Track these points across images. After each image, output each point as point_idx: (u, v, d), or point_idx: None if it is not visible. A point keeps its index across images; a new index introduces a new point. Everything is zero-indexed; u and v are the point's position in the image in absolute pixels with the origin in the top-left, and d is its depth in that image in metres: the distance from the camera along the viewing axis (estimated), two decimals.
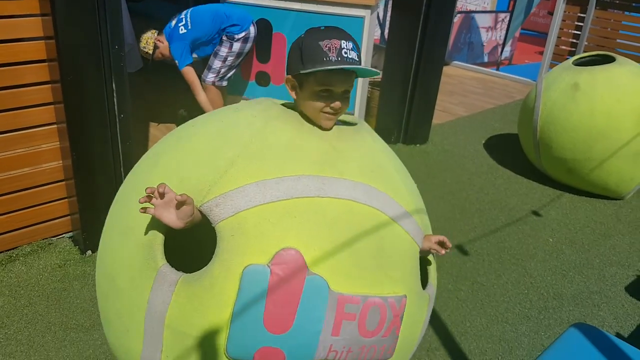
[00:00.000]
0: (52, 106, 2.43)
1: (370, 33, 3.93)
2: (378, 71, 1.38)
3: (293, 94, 1.41)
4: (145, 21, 5.80)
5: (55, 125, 2.47)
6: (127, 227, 1.37)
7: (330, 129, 1.40)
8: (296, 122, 1.38)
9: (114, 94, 2.40)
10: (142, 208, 1.23)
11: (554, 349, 1.54)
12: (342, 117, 1.56)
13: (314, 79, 1.33)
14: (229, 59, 3.72)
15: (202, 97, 3.69)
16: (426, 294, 1.49)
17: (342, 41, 1.31)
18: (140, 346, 1.33)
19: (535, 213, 3.46)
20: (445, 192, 3.66)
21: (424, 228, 1.51)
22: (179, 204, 1.19)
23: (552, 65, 6.52)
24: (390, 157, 1.53)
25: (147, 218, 1.30)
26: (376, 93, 4.50)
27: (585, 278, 2.80)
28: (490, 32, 8.13)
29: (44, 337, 2.14)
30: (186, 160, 1.36)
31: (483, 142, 4.69)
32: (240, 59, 3.82)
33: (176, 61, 3.59)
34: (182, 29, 3.57)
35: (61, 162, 2.55)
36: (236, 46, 3.68)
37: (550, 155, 3.67)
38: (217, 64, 3.72)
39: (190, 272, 1.26)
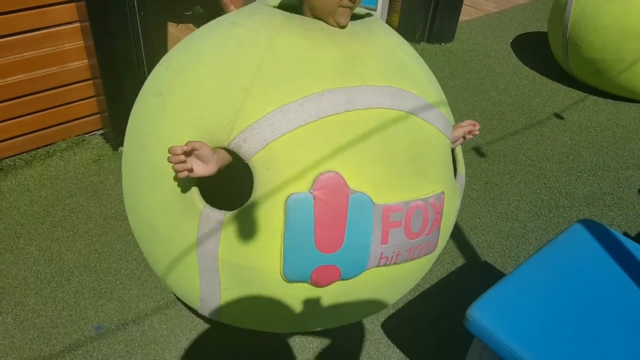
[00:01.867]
0: (74, 4, 2.44)
1: None
2: None
3: None
4: None
5: (78, 24, 2.50)
6: (153, 175, 1.34)
7: (346, 25, 1.31)
8: (304, 29, 1.27)
9: None
10: (181, 174, 1.16)
11: (557, 241, 1.63)
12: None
13: None
14: None
15: None
16: (458, 184, 1.53)
17: None
18: (197, 282, 1.37)
19: (557, 115, 3.45)
20: (468, 94, 3.64)
21: (450, 119, 1.51)
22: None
23: None
24: (408, 51, 1.47)
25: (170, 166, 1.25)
26: None
27: (599, 179, 2.85)
28: None
29: (87, 224, 2.34)
30: (196, 96, 1.27)
31: (511, 41, 4.53)
32: None
33: None
34: None
35: (87, 61, 2.61)
36: None
37: (579, 55, 3.56)
38: None
39: (226, 208, 1.27)
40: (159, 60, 1.53)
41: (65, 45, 2.52)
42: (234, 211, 1.24)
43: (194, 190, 1.27)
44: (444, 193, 1.39)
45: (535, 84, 3.84)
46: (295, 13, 1.33)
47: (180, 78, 1.32)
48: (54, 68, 2.55)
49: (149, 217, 1.39)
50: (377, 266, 1.32)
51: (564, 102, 3.62)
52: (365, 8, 4.01)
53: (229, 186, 1.66)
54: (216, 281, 1.34)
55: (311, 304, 1.36)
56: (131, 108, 1.54)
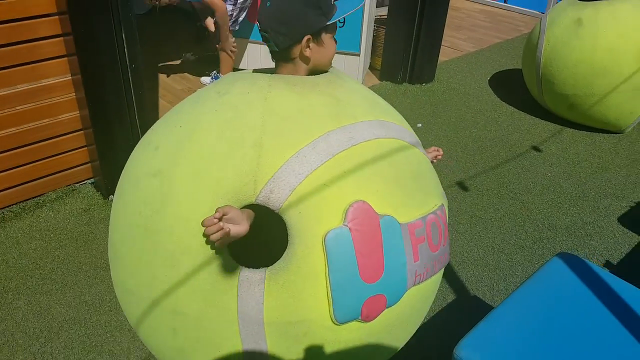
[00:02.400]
0: (67, 58, 2.52)
1: None
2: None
3: (308, 52, 1.35)
4: None
5: (70, 77, 2.57)
6: (172, 257, 1.27)
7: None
8: (288, 84, 1.35)
9: (125, 45, 2.48)
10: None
11: (537, 277, 1.69)
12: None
13: (331, 27, 1.38)
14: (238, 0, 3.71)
15: (225, 35, 3.68)
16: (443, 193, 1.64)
17: None
18: (242, 352, 1.31)
19: (536, 148, 3.56)
20: (449, 131, 3.75)
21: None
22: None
23: None
24: (369, 91, 1.59)
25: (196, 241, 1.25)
26: (382, 31, 4.49)
27: (579, 210, 2.94)
28: None
29: (77, 275, 2.34)
30: (206, 163, 1.27)
31: (488, 78, 4.71)
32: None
33: None
34: None
35: (78, 112, 2.67)
36: None
37: (553, 91, 3.71)
38: (228, 8, 3.72)
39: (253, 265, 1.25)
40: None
41: (57, 98, 2.59)
42: (274, 265, 1.23)
43: (227, 256, 1.24)
44: (443, 205, 1.50)
45: (513, 119, 3.97)
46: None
47: (181, 151, 1.31)
48: (45, 120, 2.60)
49: (174, 305, 1.30)
50: (414, 285, 1.36)
51: (542, 135, 3.75)
52: (350, 54, 4.13)
53: (250, 248, 1.57)
54: (263, 347, 1.29)
55: (364, 342, 1.35)
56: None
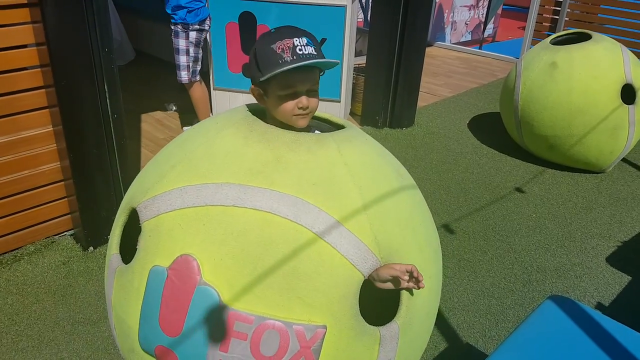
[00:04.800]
0: (48, 110, 2.50)
1: (353, 22, 4.01)
2: (337, 61, 1.32)
3: (262, 103, 1.40)
4: (132, 15, 5.83)
5: (51, 128, 2.54)
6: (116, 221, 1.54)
7: (305, 126, 1.39)
8: (251, 130, 1.32)
9: (107, 96, 2.48)
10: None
11: (529, 322, 1.66)
12: (335, 119, 1.57)
13: (275, 84, 1.31)
14: (190, 50, 3.71)
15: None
16: (375, 331, 1.28)
17: (295, 39, 1.27)
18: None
19: (519, 190, 3.60)
20: (432, 173, 3.78)
21: (388, 256, 1.28)
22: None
23: (534, 42, 6.62)
24: (361, 171, 1.34)
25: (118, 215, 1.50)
26: (361, 79, 4.58)
27: (567, 251, 2.94)
28: (473, 10, 8.18)
29: (54, 331, 2.24)
30: (151, 165, 1.48)
31: (467, 122, 4.80)
32: (200, 48, 3.80)
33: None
34: None
35: (59, 163, 2.63)
36: (192, 35, 3.66)
37: (532, 133, 3.79)
38: (182, 59, 3.72)
39: None
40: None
41: (38, 149, 2.55)
42: (122, 266, 1.38)
43: (116, 236, 1.47)
44: (325, 328, 1.19)
45: (494, 161, 4.02)
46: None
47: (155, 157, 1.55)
48: (25, 172, 2.55)
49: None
50: None
51: (524, 176, 3.79)
52: (331, 100, 4.21)
53: None
54: (114, 327, 1.45)
55: None
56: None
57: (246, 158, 1.27)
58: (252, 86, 1.39)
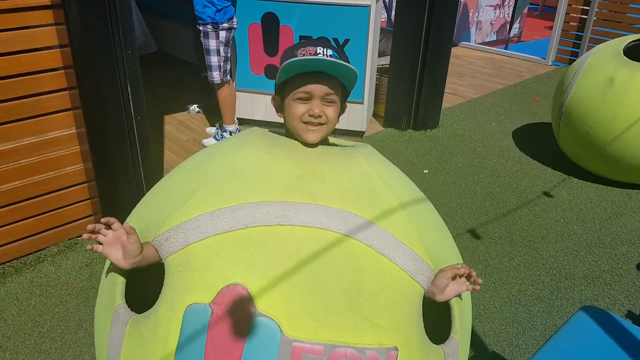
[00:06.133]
0: (71, 112, 2.52)
1: (376, 22, 3.96)
2: (354, 68, 1.22)
3: (280, 114, 1.32)
4: (154, 16, 5.89)
5: (75, 130, 2.56)
6: (107, 267, 1.31)
7: (316, 144, 1.25)
8: (275, 146, 1.23)
9: (130, 98, 2.48)
10: (89, 245, 1.16)
11: (561, 333, 1.60)
12: (349, 143, 1.44)
13: (290, 87, 1.24)
14: (221, 50, 3.71)
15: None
16: (439, 350, 1.20)
17: (319, 47, 1.20)
18: None
19: (547, 194, 3.50)
20: (457, 177, 3.71)
21: (438, 266, 1.22)
22: (126, 239, 1.13)
23: (561, 43, 6.47)
24: (393, 182, 1.30)
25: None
26: (384, 80, 4.53)
27: (596, 257, 2.84)
28: (498, 9, 8.04)
29: (77, 333, 2.25)
30: (159, 194, 1.31)
31: (494, 124, 4.70)
32: (229, 47, 3.79)
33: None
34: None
35: (82, 165, 2.65)
36: (222, 35, 3.65)
37: (570, 131, 3.64)
38: (213, 59, 3.73)
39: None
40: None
41: (62, 151, 2.57)
42: (139, 314, 1.14)
43: (119, 284, 1.20)
44: (397, 350, 1.09)
45: (521, 164, 3.93)
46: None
47: (162, 181, 1.39)
48: (50, 173, 2.58)
49: (96, 338, 1.33)
50: None
51: (552, 180, 3.69)
52: (353, 102, 4.17)
53: None
54: None
55: None
56: (126, 208, 1.56)
57: (278, 174, 1.17)
58: (273, 95, 1.33)
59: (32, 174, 2.53)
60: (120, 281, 1.21)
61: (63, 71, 2.43)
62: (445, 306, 1.27)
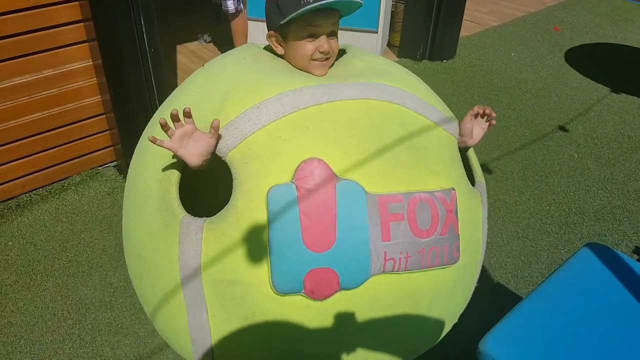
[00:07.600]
0: (87, 44, 2.51)
1: None
2: (361, 2, 1.24)
3: (280, 50, 1.33)
4: None
5: (91, 62, 2.57)
6: (142, 199, 1.29)
7: (323, 75, 1.31)
8: (279, 61, 1.35)
9: (144, 30, 2.46)
10: (152, 137, 1.13)
11: (565, 268, 1.65)
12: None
13: (296, 26, 1.24)
14: None
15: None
16: (476, 190, 1.40)
17: None
18: (185, 316, 1.21)
19: (562, 128, 3.48)
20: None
21: (452, 118, 1.42)
22: (212, 133, 1.11)
23: None
24: (394, 65, 1.46)
25: (161, 183, 1.22)
26: (401, 7, 4.38)
27: (608, 193, 2.87)
28: None
29: (102, 258, 2.38)
30: (184, 105, 1.33)
31: (512, 54, 4.58)
32: None
33: None
34: None
35: (100, 97, 2.68)
36: None
37: None
38: None
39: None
40: (169, 91, 1.58)
41: (79, 83, 2.59)
42: (214, 216, 1.14)
43: (174, 200, 1.20)
44: (454, 190, 1.24)
45: (538, 97, 3.87)
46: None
47: (173, 97, 1.42)
48: (69, 105, 2.61)
49: (138, 248, 1.30)
50: (385, 272, 1.14)
51: (568, 114, 3.65)
52: (367, 31, 4.06)
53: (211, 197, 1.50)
54: (203, 308, 1.17)
55: (316, 325, 1.16)
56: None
57: (303, 72, 1.29)
58: (270, 31, 1.32)
59: (52, 106, 2.57)
60: (174, 195, 1.20)
61: (77, 3, 2.39)
62: (464, 160, 1.45)
